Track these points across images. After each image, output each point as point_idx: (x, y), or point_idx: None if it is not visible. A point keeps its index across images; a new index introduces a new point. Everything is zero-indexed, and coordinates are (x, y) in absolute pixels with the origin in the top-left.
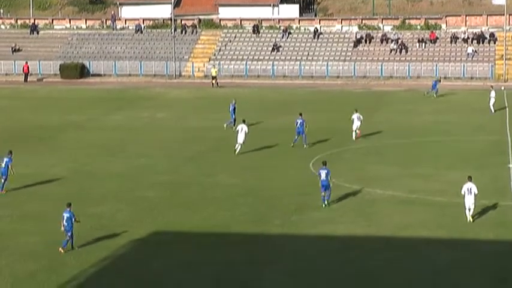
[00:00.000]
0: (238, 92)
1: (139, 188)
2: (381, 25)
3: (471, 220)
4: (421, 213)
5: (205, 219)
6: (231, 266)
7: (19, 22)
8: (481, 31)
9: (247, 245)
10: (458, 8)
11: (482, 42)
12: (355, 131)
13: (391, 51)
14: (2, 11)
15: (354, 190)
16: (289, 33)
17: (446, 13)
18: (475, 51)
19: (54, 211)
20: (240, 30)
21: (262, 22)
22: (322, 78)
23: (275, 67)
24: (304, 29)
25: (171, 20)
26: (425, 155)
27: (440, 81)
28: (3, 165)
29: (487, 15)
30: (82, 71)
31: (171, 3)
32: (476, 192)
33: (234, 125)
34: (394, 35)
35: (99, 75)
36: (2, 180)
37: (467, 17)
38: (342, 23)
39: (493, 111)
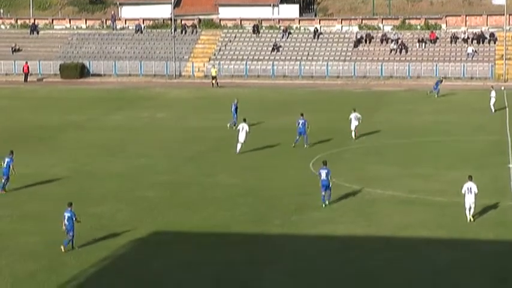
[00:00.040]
0: (238, 92)
1: (139, 188)
2: (380, 25)
3: (472, 219)
4: (421, 213)
5: (205, 219)
6: (231, 266)
7: (19, 22)
8: (481, 31)
9: (247, 245)
10: (458, 8)
11: (482, 42)
12: (354, 130)
13: (391, 51)
14: (2, 11)
15: (354, 190)
16: (289, 33)
17: (446, 13)
18: (475, 51)
19: (54, 211)
20: (240, 30)
21: (262, 22)
22: (322, 78)
23: (275, 67)
24: (304, 29)
25: (171, 20)
26: (425, 155)
27: (442, 81)
28: (4, 165)
29: (487, 15)
30: (82, 71)
31: (171, 3)
32: (476, 191)
33: (235, 124)
34: (394, 35)
35: (99, 75)
36: (3, 180)
37: (467, 17)
38: (342, 23)
39: (493, 110)
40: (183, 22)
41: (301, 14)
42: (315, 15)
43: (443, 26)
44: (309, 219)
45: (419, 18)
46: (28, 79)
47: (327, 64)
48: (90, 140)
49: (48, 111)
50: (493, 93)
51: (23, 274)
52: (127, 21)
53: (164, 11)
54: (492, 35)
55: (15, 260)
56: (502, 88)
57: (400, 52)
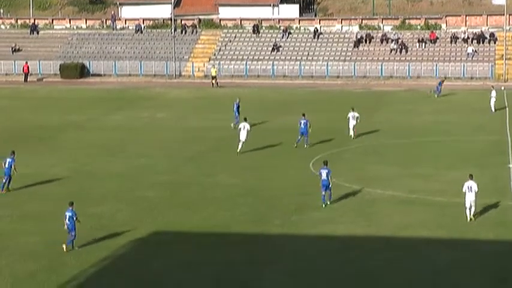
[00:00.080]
0: (238, 92)
1: (139, 188)
2: (381, 25)
3: (472, 219)
4: (421, 213)
5: (205, 219)
6: (231, 266)
7: (19, 22)
8: (481, 31)
9: (247, 245)
10: (458, 8)
11: (482, 42)
12: (352, 129)
13: (391, 51)
14: (2, 11)
15: (354, 190)
16: (289, 33)
17: (446, 13)
18: (475, 51)
19: (54, 211)
20: (240, 30)
21: (262, 22)
22: (322, 78)
23: (275, 67)
24: (304, 29)
25: (171, 20)
26: (425, 155)
27: (443, 81)
28: (6, 165)
29: (487, 15)
30: (82, 71)
31: (171, 3)
32: (476, 190)
33: (238, 123)
34: (394, 35)
35: (99, 75)
36: (4, 180)
37: (467, 17)
38: (342, 23)
39: (493, 110)
40: (183, 22)
41: (301, 14)
42: (315, 15)
43: (443, 26)
44: (309, 219)
45: (419, 18)
46: (28, 79)
47: (327, 64)
48: (90, 140)
49: (48, 111)
50: (493, 93)
51: (23, 274)
52: (127, 21)
53: (164, 11)
54: (492, 35)
55: (15, 260)
56: (502, 88)
57: (400, 52)
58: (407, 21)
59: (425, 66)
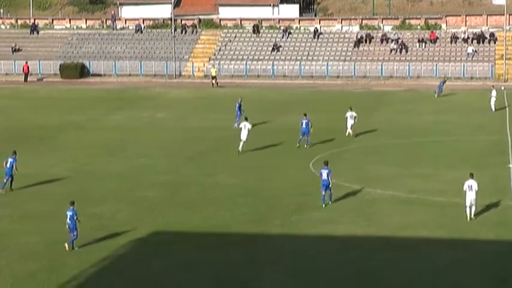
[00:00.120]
0: (238, 92)
1: (139, 188)
2: (381, 25)
3: (473, 218)
4: (421, 213)
5: (205, 219)
6: (231, 266)
7: (19, 22)
8: (481, 31)
9: (247, 245)
10: (458, 8)
11: (482, 42)
12: (350, 128)
13: (391, 51)
14: (2, 11)
15: (354, 190)
16: (289, 33)
17: (446, 13)
18: (475, 51)
19: (54, 211)
20: (240, 30)
21: (262, 22)
22: (322, 78)
23: (275, 67)
24: (304, 29)
25: (171, 20)
26: (425, 155)
27: (445, 81)
28: (8, 165)
29: (487, 15)
30: (82, 71)
31: (171, 3)
32: (476, 189)
33: (238, 123)
34: (394, 35)
35: (99, 75)
36: (4, 180)
37: (467, 17)
38: (342, 23)
39: (493, 109)
40: (183, 22)
41: (301, 14)
42: (315, 15)
43: (443, 26)
44: (309, 219)
45: (420, 18)
46: (28, 79)
47: (327, 64)
48: (90, 140)
49: (48, 111)
50: (493, 93)
51: (23, 274)
52: (127, 21)
53: (164, 11)
54: (492, 35)
55: (15, 260)
56: (502, 88)
57: (400, 52)
58: (407, 21)
59: (425, 66)
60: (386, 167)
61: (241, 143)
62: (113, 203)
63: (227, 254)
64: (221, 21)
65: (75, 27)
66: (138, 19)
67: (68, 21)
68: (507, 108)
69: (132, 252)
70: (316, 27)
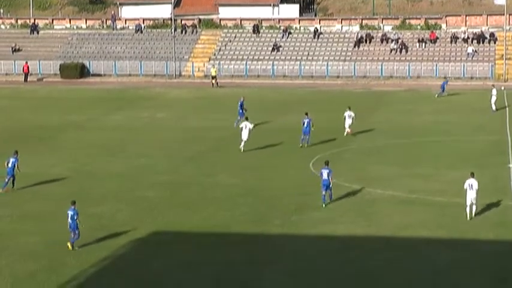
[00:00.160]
0: (238, 92)
1: (139, 188)
2: (381, 25)
3: (473, 217)
4: (421, 213)
5: (205, 219)
6: (231, 266)
7: (19, 22)
8: (481, 31)
9: (247, 245)
10: (458, 8)
11: (482, 42)
12: (348, 128)
13: (391, 51)
14: (2, 11)
15: (354, 190)
16: (289, 33)
17: (446, 13)
18: (475, 51)
19: (54, 211)
20: (240, 30)
21: (262, 22)
22: (322, 78)
23: (275, 67)
24: (304, 29)
25: (171, 20)
26: (425, 155)
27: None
28: (9, 165)
29: (487, 15)
30: (82, 71)
31: (171, 3)
32: (477, 188)
33: (238, 122)
34: (394, 34)
35: (99, 75)
36: (6, 180)
37: (467, 17)
38: (342, 23)
39: (494, 109)
40: (183, 22)
41: (301, 14)
42: (315, 15)
43: (443, 26)
44: (309, 219)
45: (420, 18)
46: (28, 79)
47: (327, 64)
48: (90, 140)
49: (48, 111)
50: (494, 92)
51: (23, 274)
52: (127, 21)
53: (164, 11)
54: (492, 35)
55: (15, 260)
56: (502, 88)
57: (400, 52)
58: (407, 21)
59: (426, 66)
60: (386, 167)
61: (243, 143)
62: (113, 203)
63: (227, 254)
64: (221, 21)
65: (75, 27)
66: (138, 19)
67: (68, 21)
68: (507, 108)
69: (132, 252)
70: (316, 27)
